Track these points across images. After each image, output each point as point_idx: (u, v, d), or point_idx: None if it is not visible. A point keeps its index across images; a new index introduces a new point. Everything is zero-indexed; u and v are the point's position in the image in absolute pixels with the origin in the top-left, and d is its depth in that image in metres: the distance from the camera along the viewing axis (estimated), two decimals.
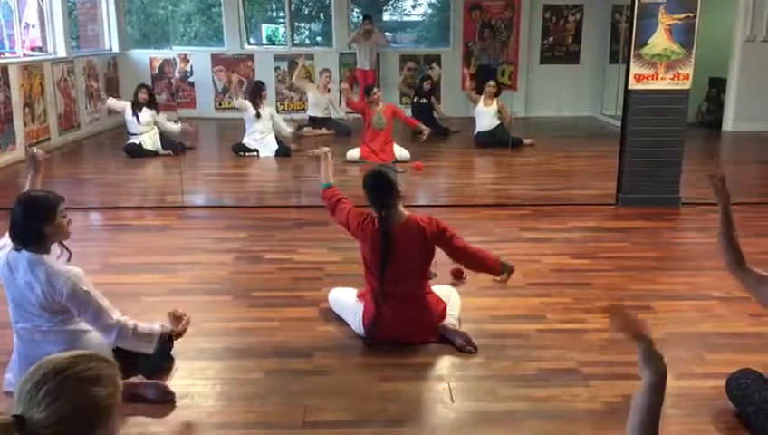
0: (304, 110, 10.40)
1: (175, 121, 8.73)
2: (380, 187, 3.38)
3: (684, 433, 2.76)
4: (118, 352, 3.04)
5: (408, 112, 9.79)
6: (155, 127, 8.42)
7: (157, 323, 3.09)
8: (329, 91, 9.95)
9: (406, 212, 3.45)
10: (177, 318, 3.14)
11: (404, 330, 3.41)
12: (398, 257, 3.35)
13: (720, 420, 2.81)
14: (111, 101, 8.82)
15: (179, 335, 3.14)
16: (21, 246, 2.83)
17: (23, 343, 2.95)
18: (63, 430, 1.32)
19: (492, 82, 9.16)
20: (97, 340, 2.98)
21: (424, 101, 10.03)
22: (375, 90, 8.28)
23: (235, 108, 9.11)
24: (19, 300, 2.87)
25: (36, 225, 2.80)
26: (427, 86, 10.12)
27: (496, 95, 9.04)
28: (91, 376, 1.37)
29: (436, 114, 10.05)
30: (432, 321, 3.48)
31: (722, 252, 2.82)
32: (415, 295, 3.46)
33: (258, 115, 8.35)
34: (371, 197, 3.40)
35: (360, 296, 3.58)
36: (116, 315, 2.91)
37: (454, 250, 3.48)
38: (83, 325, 2.95)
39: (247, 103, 8.45)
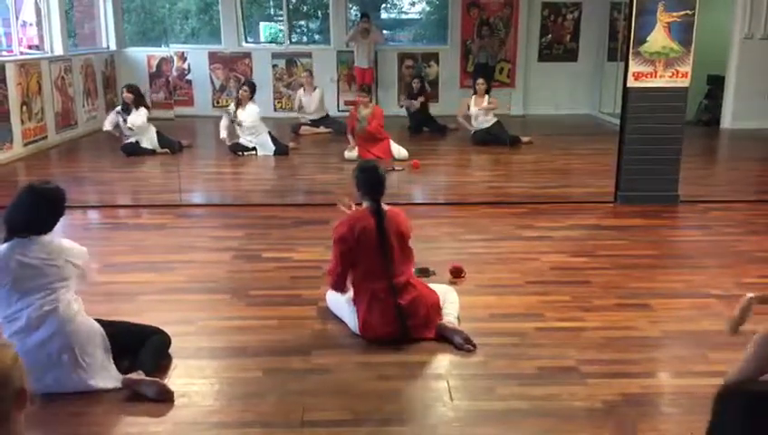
0: (301, 108, 10.37)
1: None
2: (375, 179, 3.53)
3: (683, 431, 2.75)
4: (115, 346, 3.05)
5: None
6: (150, 126, 8.37)
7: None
8: (315, 88, 9.91)
9: (386, 207, 3.58)
10: None
11: (404, 321, 3.41)
12: (393, 238, 3.46)
13: None
14: (107, 125, 8.51)
15: None
16: (33, 234, 2.95)
17: (18, 337, 2.94)
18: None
19: (480, 80, 9.14)
20: (87, 325, 3.02)
21: (415, 102, 9.96)
22: (364, 93, 8.25)
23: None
24: (29, 281, 2.92)
25: (56, 214, 3.04)
26: (416, 86, 10.10)
27: (487, 92, 9.04)
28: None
29: (410, 108, 10.03)
30: (429, 309, 3.50)
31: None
32: (411, 283, 3.51)
33: (237, 122, 8.30)
34: (366, 187, 3.53)
35: (352, 301, 3.57)
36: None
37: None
38: (79, 304, 3.05)
39: (224, 132, 8.46)
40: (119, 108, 8.44)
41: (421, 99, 9.97)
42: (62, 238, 3.11)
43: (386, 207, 3.56)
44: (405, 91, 10.86)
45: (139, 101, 8.33)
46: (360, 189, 3.55)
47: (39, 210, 2.99)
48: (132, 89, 8.38)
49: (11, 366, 1.60)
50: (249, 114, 8.33)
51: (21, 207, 2.98)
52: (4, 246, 2.96)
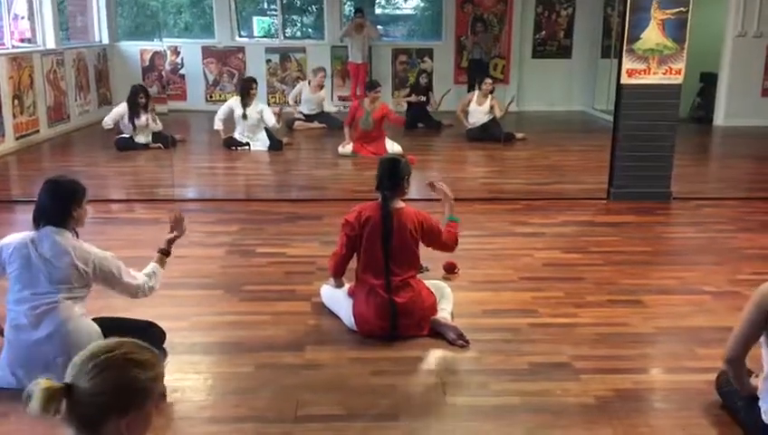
0: (297, 103, 10.36)
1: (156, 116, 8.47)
2: (395, 170, 3.52)
3: (675, 427, 2.77)
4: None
5: (404, 106, 9.81)
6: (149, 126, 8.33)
7: (150, 263, 3.34)
8: (321, 88, 9.88)
9: (402, 204, 3.55)
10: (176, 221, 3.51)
11: (397, 320, 3.42)
12: (396, 236, 3.43)
13: (711, 414, 2.82)
14: (109, 122, 8.33)
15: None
16: (47, 224, 2.97)
17: (16, 331, 2.95)
18: (104, 401, 1.48)
19: (488, 80, 9.10)
20: (85, 328, 2.99)
21: (422, 98, 9.94)
22: (378, 90, 8.11)
23: (225, 101, 9.09)
24: (33, 276, 2.92)
25: (66, 205, 3.00)
26: (423, 81, 10.09)
27: (491, 92, 9.02)
28: (135, 359, 1.53)
29: (429, 108, 10.00)
30: (425, 311, 3.49)
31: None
32: (410, 284, 3.49)
33: (245, 116, 8.27)
34: (384, 176, 3.51)
35: (350, 293, 3.58)
36: (135, 281, 3.18)
37: (442, 245, 3.65)
38: (82, 308, 3.02)
39: (220, 124, 8.45)
40: (123, 106, 8.27)
41: (434, 100, 9.94)
42: (83, 242, 3.07)
43: (401, 205, 3.53)
44: (400, 86, 10.81)
45: (149, 103, 8.36)
46: (378, 177, 3.55)
47: (45, 201, 3.01)
48: (149, 93, 8.43)
49: (130, 369, 1.49)
50: (258, 112, 8.30)
51: (37, 199, 3.05)
52: (24, 234, 3.00)
